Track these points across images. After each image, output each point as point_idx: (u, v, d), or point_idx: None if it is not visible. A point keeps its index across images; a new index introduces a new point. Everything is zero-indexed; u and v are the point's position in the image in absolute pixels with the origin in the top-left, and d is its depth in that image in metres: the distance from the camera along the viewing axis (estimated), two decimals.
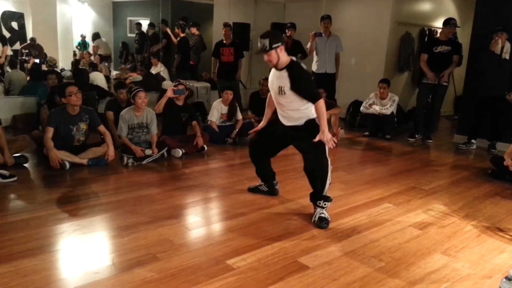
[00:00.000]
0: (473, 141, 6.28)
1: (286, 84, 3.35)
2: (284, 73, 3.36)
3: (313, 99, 3.36)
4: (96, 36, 10.51)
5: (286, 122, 3.56)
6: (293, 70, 3.36)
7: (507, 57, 5.69)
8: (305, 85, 3.41)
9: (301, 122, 3.48)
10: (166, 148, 5.18)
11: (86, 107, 4.78)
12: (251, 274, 2.67)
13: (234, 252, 2.94)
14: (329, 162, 3.43)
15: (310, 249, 3.04)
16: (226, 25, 7.45)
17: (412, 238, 3.31)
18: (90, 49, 10.36)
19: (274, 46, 3.28)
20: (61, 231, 3.17)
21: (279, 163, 4.93)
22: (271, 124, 3.76)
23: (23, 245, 2.90)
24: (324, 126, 3.33)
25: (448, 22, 6.39)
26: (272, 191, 4.08)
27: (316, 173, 3.46)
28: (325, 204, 3.50)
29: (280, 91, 3.39)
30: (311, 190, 3.56)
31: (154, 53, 9.52)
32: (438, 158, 5.91)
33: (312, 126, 3.42)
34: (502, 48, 5.69)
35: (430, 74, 6.42)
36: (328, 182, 3.46)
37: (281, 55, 3.33)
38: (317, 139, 3.31)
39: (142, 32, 10.39)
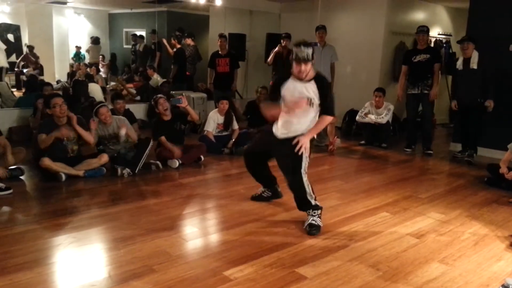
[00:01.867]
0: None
1: (315, 95, 3.41)
2: (312, 85, 3.41)
3: (331, 112, 3.49)
4: (95, 42, 10.46)
5: (283, 133, 3.56)
6: (322, 81, 3.45)
7: (475, 67, 5.72)
8: (331, 97, 3.56)
9: (295, 134, 3.50)
10: (151, 142, 5.13)
11: (72, 115, 4.75)
12: (249, 285, 2.66)
13: (231, 263, 2.93)
14: (305, 179, 3.50)
15: (307, 259, 3.03)
16: (221, 36, 7.50)
17: (410, 247, 3.31)
18: (86, 60, 10.36)
19: (313, 58, 3.36)
20: (57, 243, 3.15)
21: (277, 172, 4.93)
22: (266, 134, 3.76)
23: (19, 258, 2.88)
24: (312, 133, 3.48)
25: (417, 30, 6.44)
26: (276, 195, 4.14)
27: (296, 193, 3.60)
28: (314, 213, 3.56)
29: (310, 103, 3.42)
30: None
31: (154, 64, 9.54)
32: (434, 166, 5.92)
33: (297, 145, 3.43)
34: (469, 58, 5.75)
35: (400, 91, 6.63)
36: (310, 196, 3.55)
37: (312, 68, 3.42)
38: (296, 140, 3.39)
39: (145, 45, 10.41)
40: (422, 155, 6.46)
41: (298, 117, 3.49)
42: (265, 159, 3.94)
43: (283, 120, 3.57)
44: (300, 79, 3.41)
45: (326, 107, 3.47)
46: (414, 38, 8.33)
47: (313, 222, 3.51)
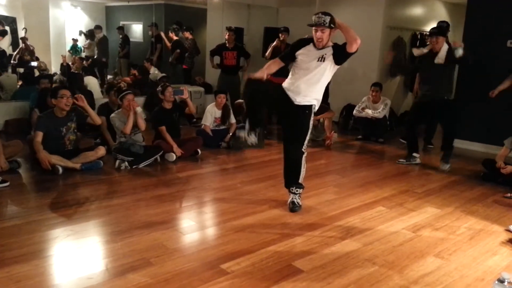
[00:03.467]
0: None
1: (329, 54, 3.64)
2: (329, 49, 3.65)
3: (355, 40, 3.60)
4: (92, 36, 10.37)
5: (297, 98, 3.69)
6: (337, 45, 3.69)
7: (441, 62, 5.17)
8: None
9: (309, 102, 3.73)
10: (161, 152, 5.18)
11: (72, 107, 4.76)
12: (245, 278, 2.67)
13: (228, 256, 2.94)
14: (305, 154, 3.78)
15: (304, 252, 3.05)
16: (229, 29, 7.53)
17: (406, 241, 3.33)
18: (83, 54, 10.30)
19: (332, 25, 3.54)
20: (54, 236, 3.16)
21: (274, 166, 4.96)
22: (281, 88, 3.79)
23: (16, 250, 2.88)
24: (345, 27, 3.67)
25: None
26: (260, 143, 4.28)
27: (292, 164, 3.82)
28: (297, 191, 3.84)
29: (320, 58, 3.64)
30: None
31: (156, 58, 9.51)
32: (430, 161, 5.93)
33: (309, 116, 3.75)
34: (437, 52, 5.22)
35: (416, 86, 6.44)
36: (302, 171, 3.81)
37: (330, 38, 3.63)
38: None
39: (126, 36, 10.34)
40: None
41: (310, 76, 3.66)
42: (268, 103, 3.92)
43: (294, 84, 3.71)
44: (317, 46, 3.63)
45: (346, 49, 3.65)
46: (415, 33, 8.39)
47: (295, 200, 3.83)
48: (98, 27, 9.99)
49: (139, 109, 5.12)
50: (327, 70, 3.71)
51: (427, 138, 6.67)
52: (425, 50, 5.50)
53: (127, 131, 4.95)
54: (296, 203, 3.83)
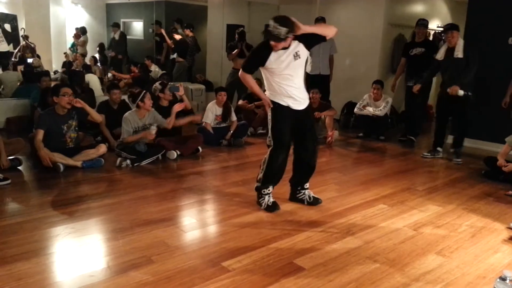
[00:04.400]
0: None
1: (300, 48, 3.48)
2: (295, 43, 3.46)
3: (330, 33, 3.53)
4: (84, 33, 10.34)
5: (298, 105, 3.64)
6: (300, 36, 3.44)
7: (460, 55, 5.39)
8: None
9: (307, 102, 3.71)
10: (163, 151, 5.18)
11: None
12: (247, 276, 2.67)
13: (229, 254, 2.94)
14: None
15: (305, 250, 3.05)
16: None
17: (407, 239, 3.32)
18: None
19: (289, 35, 3.33)
20: (55, 234, 3.16)
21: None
22: (284, 114, 3.65)
23: (17, 248, 2.89)
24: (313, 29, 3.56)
25: (417, 23, 6.42)
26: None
27: (312, 163, 3.86)
28: (307, 185, 3.95)
29: (296, 55, 3.46)
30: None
31: (163, 58, 9.52)
32: (432, 159, 5.93)
33: (309, 108, 3.78)
34: (454, 47, 5.44)
35: (394, 82, 6.76)
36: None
37: (290, 38, 3.38)
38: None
39: (122, 32, 10.33)
40: (418, 146, 6.46)
41: (296, 80, 3.58)
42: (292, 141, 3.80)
43: (291, 95, 3.58)
44: (284, 48, 3.44)
45: (316, 36, 3.52)
46: (413, 30, 8.35)
47: (313, 195, 3.93)
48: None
49: (153, 131, 5.08)
50: (305, 61, 3.61)
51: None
52: (442, 50, 5.64)
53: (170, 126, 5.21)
54: (316, 196, 3.97)
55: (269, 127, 3.68)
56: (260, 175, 3.77)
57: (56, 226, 3.26)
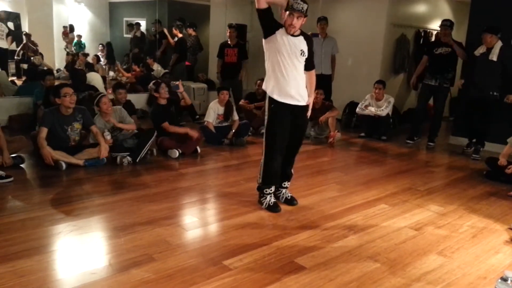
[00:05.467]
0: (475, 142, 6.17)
1: (305, 47, 3.54)
2: (301, 39, 3.53)
3: (313, 66, 3.74)
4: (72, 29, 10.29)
5: (300, 100, 3.62)
6: (308, 37, 3.61)
7: (495, 59, 5.55)
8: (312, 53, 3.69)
9: (306, 98, 3.67)
10: (155, 133, 5.18)
11: (79, 107, 4.77)
12: (248, 275, 2.68)
13: (230, 252, 2.95)
14: None
15: (306, 249, 3.05)
16: (231, 26, 7.53)
17: (408, 239, 3.33)
18: (86, 50, 10.29)
19: (307, 14, 3.41)
20: (57, 231, 3.17)
21: None
22: (280, 112, 3.63)
23: (20, 245, 2.90)
24: (313, 94, 3.84)
25: (441, 23, 6.42)
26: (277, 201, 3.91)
27: (293, 161, 3.88)
28: (285, 185, 3.92)
29: (302, 53, 3.52)
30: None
31: (160, 54, 9.52)
32: (433, 159, 5.93)
33: (306, 111, 3.74)
34: (491, 49, 5.60)
35: (414, 79, 6.81)
36: None
37: (304, 20, 3.45)
38: (309, 104, 3.70)
39: (142, 32, 10.36)
40: (421, 147, 6.47)
41: (299, 74, 3.58)
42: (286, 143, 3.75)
43: (293, 88, 3.55)
44: (288, 32, 3.45)
45: (312, 62, 3.71)
46: (418, 30, 8.36)
47: (290, 194, 3.93)
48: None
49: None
50: (304, 61, 3.61)
51: (431, 136, 6.62)
52: (481, 50, 5.74)
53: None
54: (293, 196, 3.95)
55: (264, 130, 3.71)
56: (260, 176, 3.78)
57: (58, 224, 3.28)
